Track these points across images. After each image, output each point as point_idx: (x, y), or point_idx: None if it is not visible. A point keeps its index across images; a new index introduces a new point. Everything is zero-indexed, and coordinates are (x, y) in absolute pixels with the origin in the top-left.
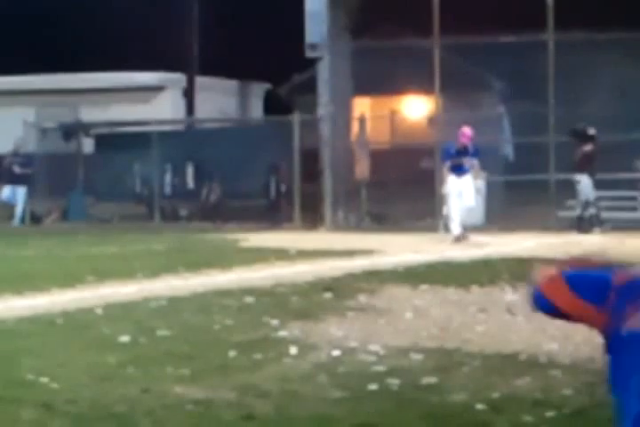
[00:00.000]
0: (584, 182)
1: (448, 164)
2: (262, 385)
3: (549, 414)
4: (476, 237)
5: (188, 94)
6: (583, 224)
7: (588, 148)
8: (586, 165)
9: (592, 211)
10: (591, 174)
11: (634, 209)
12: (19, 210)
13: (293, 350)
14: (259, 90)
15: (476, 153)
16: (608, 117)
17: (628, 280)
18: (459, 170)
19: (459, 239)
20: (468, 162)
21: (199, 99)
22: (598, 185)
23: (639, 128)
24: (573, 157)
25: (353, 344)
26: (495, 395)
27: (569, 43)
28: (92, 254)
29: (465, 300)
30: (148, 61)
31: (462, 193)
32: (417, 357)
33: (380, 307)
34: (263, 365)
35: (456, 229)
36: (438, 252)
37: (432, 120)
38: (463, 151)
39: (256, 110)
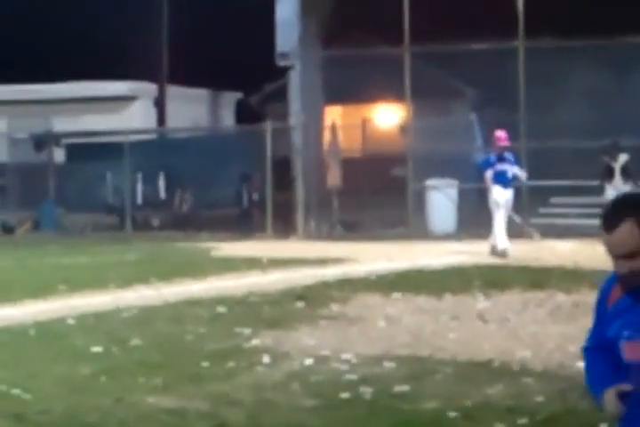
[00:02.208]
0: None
1: (490, 173)
2: (235, 394)
3: (522, 421)
4: (448, 245)
5: (160, 104)
6: None
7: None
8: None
9: None
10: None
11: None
12: None
13: (266, 358)
14: (230, 99)
15: (517, 160)
16: (579, 124)
17: None
18: (503, 179)
19: (504, 254)
20: (511, 169)
21: (170, 108)
22: (571, 192)
23: (610, 135)
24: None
25: (325, 353)
26: (468, 403)
27: (539, 50)
28: (64, 265)
29: (437, 308)
30: (119, 71)
31: (508, 204)
32: (389, 365)
33: (352, 315)
34: (236, 374)
35: (503, 242)
36: (410, 260)
37: (404, 128)
38: (502, 157)
39: (228, 119)
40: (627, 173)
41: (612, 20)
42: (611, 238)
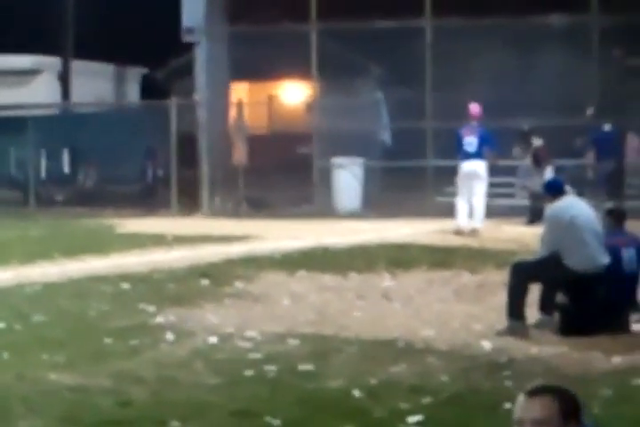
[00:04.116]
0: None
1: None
2: (138, 371)
3: (426, 400)
4: (354, 223)
5: (64, 78)
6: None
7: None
8: None
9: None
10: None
11: (510, 196)
12: None
13: (170, 336)
14: (135, 74)
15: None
16: (485, 104)
17: None
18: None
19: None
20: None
21: (75, 83)
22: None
23: (516, 115)
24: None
25: (230, 331)
26: (372, 381)
27: (446, 29)
28: None
29: (342, 286)
30: (22, 45)
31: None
32: (294, 343)
33: (257, 293)
34: (139, 351)
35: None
36: (316, 238)
37: (310, 105)
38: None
39: (133, 95)
40: (537, 159)
41: (518, 0)
42: (529, 402)
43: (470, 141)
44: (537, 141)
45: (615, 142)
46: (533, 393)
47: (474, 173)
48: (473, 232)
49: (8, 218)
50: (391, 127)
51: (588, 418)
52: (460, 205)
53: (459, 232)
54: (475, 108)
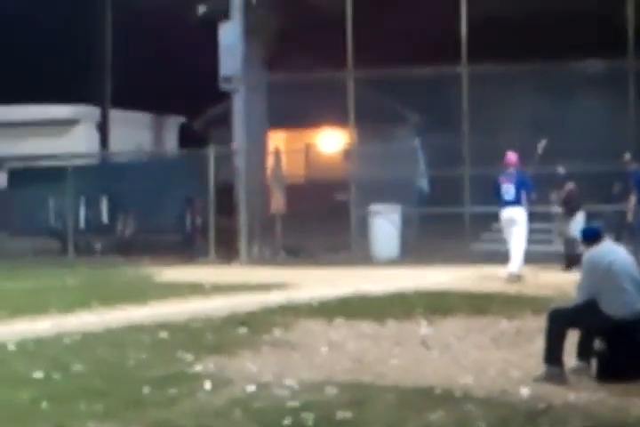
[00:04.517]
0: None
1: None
2: (177, 421)
3: None
4: (391, 270)
5: (103, 128)
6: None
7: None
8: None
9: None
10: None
11: (548, 242)
12: None
13: (208, 385)
14: (173, 123)
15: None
16: (523, 149)
17: None
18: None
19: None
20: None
21: (113, 132)
22: None
23: (553, 161)
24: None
25: (267, 379)
26: None
27: (482, 75)
28: (5, 289)
29: (380, 333)
30: (62, 94)
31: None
32: (332, 391)
33: (294, 341)
34: (177, 400)
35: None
36: (353, 285)
37: (347, 153)
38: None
39: (171, 144)
40: (568, 203)
41: (554, 46)
42: None
43: (507, 189)
44: (569, 186)
45: None
46: None
47: (512, 220)
48: (509, 277)
49: (47, 267)
50: (428, 174)
51: None
52: (515, 250)
53: (510, 279)
54: (512, 155)
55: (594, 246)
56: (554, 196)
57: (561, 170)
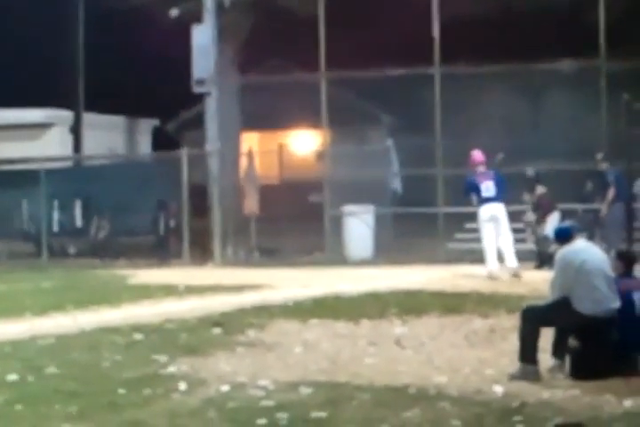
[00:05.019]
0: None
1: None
2: (151, 421)
3: None
4: (365, 271)
5: (76, 131)
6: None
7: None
8: None
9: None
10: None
11: (521, 241)
12: None
13: (182, 385)
14: (147, 126)
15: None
16: (495, 150)
17: None
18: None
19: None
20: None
21: (87, 135)
22: None
23: (526, 160)
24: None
25: (242, 379)
26: None
27: (455, 75)
28: None
29: (354, 333)
30: (34, 98)
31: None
32: (306, 391)
33: (269, 342)
34: (152, 401)
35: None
36: (327, 286)
37: (320, 154)
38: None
39: (144, 147)
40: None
41: (526, 47)
42: None
43: (488, 186)
44: (540, 189)
45: (625, 186)
46: None
47: (496, 216)
48: (516, 274)
49: (21, 270)
50: (402, 174)
51: None
52: (490, 249)
53: (493, 277)
54: (478, 154)
55: (566, 245)
56: (526, 195)
57: (530, 171)
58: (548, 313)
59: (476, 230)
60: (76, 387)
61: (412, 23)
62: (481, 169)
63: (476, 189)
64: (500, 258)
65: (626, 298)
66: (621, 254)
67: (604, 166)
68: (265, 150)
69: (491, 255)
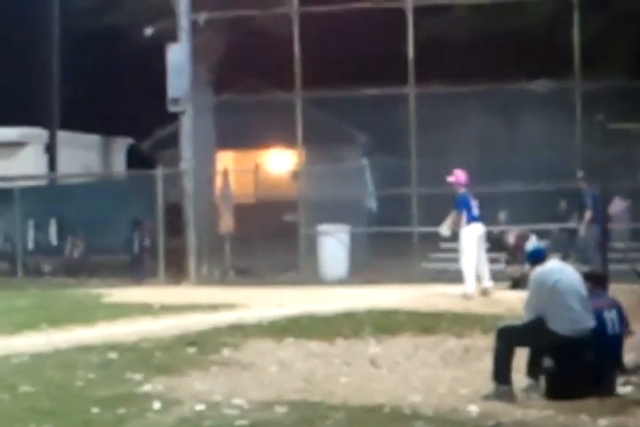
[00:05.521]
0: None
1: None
2: None
3: None
4: (340, 290)
5: (51, 149)
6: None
7: None
8: None
9: None
10: None
11: (496, 261)
12: None
13: (157, 404)
14: (121, 145)
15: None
16: (470, 169)
17: None
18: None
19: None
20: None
21: (61, 154)
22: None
23: (501, 180)
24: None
25: (217, 398)
26: None
27: (429, 95)
28: None
29: (329, 353)
30: (8, 117)
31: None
32: (281, 410)
33: (244, 361)
34: (126, 420)
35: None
36: (302, 305)
37: (296, 173)
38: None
39: (119, 165)
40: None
41: (501, 67)
42: None
43: (476, 205)
44: (515, 231)
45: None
46: None
47: (481, 237)
48: (485, 292)
49: None
50: (377, 194)
51: None
52: (470, 269)
53: (468, 297)
54: (462, 175)
55: (539, 266)
56: (503, 215)
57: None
58: (523, 333)
59: (451, 250)
60: (51, 406)
61: (387, 43)
62: (463, 190)
63: (468, 206)
64: (477, 277)
65: (597, 318)
66: (587, 275)
67: (582, 185)
68: (240, 169)
69: (470, 276)
